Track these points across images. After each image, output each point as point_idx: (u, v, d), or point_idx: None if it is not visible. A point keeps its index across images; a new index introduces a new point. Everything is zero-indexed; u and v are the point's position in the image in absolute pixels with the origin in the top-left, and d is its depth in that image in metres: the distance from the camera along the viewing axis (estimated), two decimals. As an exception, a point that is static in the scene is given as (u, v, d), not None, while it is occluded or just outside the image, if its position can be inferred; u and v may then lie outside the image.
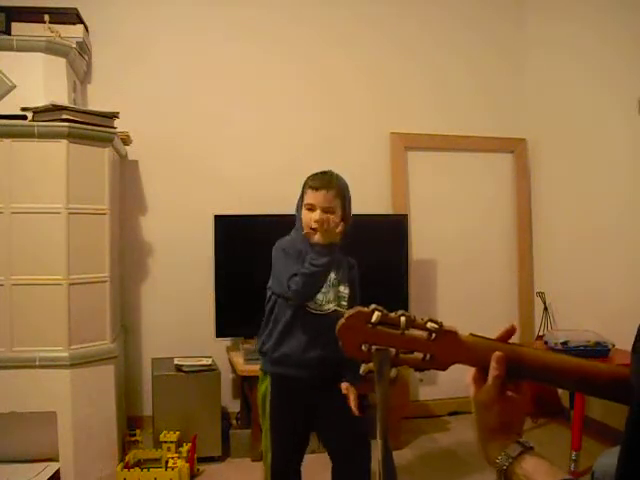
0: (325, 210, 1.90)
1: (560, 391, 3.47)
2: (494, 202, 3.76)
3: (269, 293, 2.01)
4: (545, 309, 3.56)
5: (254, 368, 2.82)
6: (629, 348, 0.80)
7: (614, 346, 2.78)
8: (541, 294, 3.59)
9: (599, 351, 2.76)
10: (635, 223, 2.96)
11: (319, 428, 2.04)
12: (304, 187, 1.98)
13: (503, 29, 3.78)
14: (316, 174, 1.98)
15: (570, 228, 3.43)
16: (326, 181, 1.93)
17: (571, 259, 3.42)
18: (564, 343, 2.82)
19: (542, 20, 3.67)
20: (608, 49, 3.12)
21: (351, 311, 0.80)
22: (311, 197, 1.92)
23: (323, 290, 1.93)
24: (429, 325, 0.81)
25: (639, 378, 0.74)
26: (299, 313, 1.93)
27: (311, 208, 1.92)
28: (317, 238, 1.86)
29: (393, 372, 0.81)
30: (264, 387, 2.00)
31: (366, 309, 0.80)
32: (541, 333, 3.45)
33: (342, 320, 0.80)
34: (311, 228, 1.90)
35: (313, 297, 1.91)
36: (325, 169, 2.01)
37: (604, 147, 3.17)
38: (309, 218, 1.91)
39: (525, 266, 3.74)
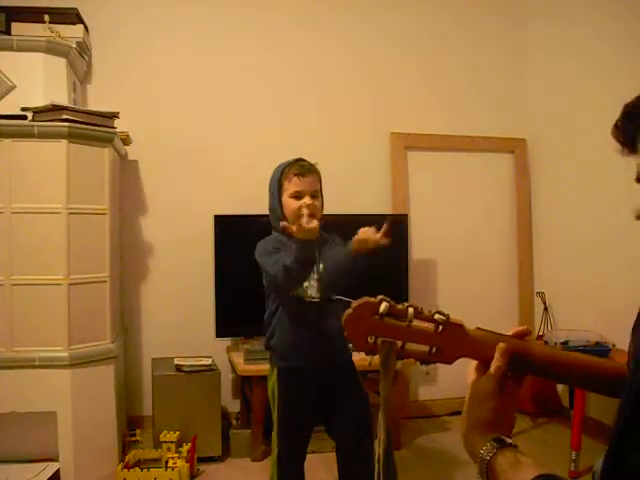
0: (313, 195, 1.91)
1: (560, 390, 3.47)
2: (494, 202, 3.75)
3: (268, 291, 2.02)
4: (545, 309, 3.56)
5: (254, 368, 2.84)
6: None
7: (614, 346, 2.78)
8: (541, 294, 3.59)
9: (599, 351, 2.75)
10: (635, 223, 2.95)
11: (329, 419, 2.03)
12: (283, 178, 1.94)
13: (503, 29, 3.78)
14: (292, 163, 1.96)
15: (570, 228, 3.42)
16: (308, 166, 1.95)
17: (571, 259, 3.42)
18: (564, 343, 2.82)
19: (543, 20, 3.67)
20: (609, 49, 3.12)
21: (358, 301, 0.79)
22: (298, 184, 1.90)
23: (316, 277, 1.92)
24: (436, 317, 0.80)
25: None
26: (298, 305, 1.92)
27: (299, 196, 1.90)
28: (302, 228, 1.76)
29: (398, 365, 0.80)
30: (272, 382, 1.99)
31: (373, 299, 0.79)
32: (541, 333, 3.45)
33: (349, 310, 0.78)
34: (299, 215, 1.86)
35: (298, 287, 1.89)
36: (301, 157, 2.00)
37: (604, 147, 3.16)
38: (298, 205, 1.88)
39: (525, 266, 3.74)
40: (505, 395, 0.82)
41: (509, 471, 0.74)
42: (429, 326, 0.80)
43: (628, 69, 2.98)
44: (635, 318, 0.82)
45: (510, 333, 0.86)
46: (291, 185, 1.92)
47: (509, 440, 0.79)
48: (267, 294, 2.03)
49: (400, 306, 0.79)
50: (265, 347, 2.04)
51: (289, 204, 1.91)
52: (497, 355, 0.82)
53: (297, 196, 1.90)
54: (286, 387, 1.96)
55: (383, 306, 0.78)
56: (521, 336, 0.86)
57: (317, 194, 1.94)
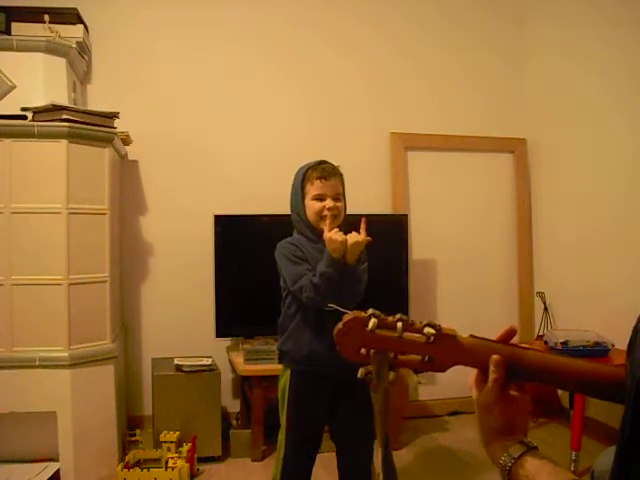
0: (335, 198, 1.92)
1: (560, 391, 3.47)
2: (494, 202, 3.76)
3: (284, 293, 2.00)
4: (545, 309, 3.56)
5: (254, 368, 2.84)
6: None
7: (614, 346, 2.78)
8: (541, 294, 3.59)
9: (598, 351, 2.76)
10: (635, 223, 2.96)
11: (334, 422, 2.02)
12: (306, 180, 1.96)
13: (503, 29, 3.78)
14: (315, 165, 1.97)
15: (570, 228, 3.43)
16: (331, 169, 1.96)
17: (571, 259, 3.42)
18: (564, 343, 2.82)
19: (542, 21, 3.67)
20: (607, 50, 3.13)
21: (348, 316, 0.79)
22: (321, 187, 1.92)
23: None
24: (426, 330, 0.80)
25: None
26: (315, 312, 1.91)
27: (321, 198, 1.92)
28: (328, 228, 1.85)
29: (391, 376, 0.80)
30: (283, 381, 1.98)
31: (363, 314, 0.79)
32: (541, 333, 3.45)
33: (339, 325, 0.79)
34: (321, 217, 1.90)
35: (324, 302, 1.87)
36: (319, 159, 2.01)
37: (604, 147, 3.17)
38: (320, 207, 1.91)
39: (525, 266, 3.74)
40: (509, 399, 0.83)
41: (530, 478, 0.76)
42: (421, 337, 0.81)
43: (627, 70, 2.99)
44: (631, 334, 0.83)
45: (496, 337, 0.87)
46: (314, 188, 1.93)
47: (524, 448, 0.80)
48: (283, 297, 2.01)
49: (390, 319, 0.80)
50: (279, 349, 2.02)
51: (311, 206, 1.93)
52: (492, 367, 0.82)
53: (320, 199, 1.92)
54: (299, 388, 1.95)
55: (372, 322, 0.79)
56: (507, 337, 0.87)
57: (339, 197, 1.95)
